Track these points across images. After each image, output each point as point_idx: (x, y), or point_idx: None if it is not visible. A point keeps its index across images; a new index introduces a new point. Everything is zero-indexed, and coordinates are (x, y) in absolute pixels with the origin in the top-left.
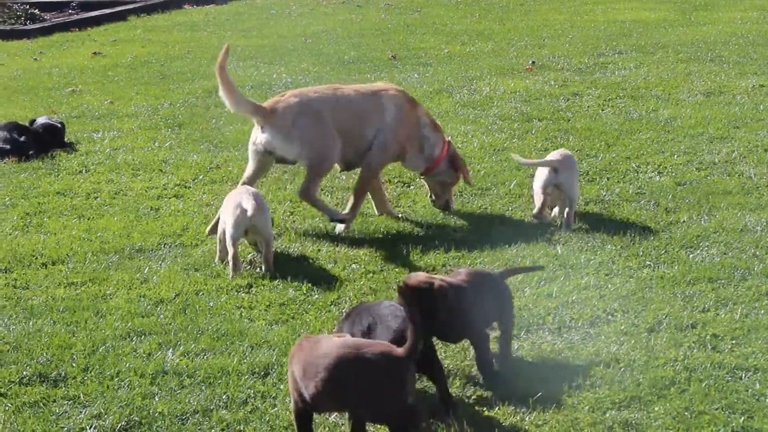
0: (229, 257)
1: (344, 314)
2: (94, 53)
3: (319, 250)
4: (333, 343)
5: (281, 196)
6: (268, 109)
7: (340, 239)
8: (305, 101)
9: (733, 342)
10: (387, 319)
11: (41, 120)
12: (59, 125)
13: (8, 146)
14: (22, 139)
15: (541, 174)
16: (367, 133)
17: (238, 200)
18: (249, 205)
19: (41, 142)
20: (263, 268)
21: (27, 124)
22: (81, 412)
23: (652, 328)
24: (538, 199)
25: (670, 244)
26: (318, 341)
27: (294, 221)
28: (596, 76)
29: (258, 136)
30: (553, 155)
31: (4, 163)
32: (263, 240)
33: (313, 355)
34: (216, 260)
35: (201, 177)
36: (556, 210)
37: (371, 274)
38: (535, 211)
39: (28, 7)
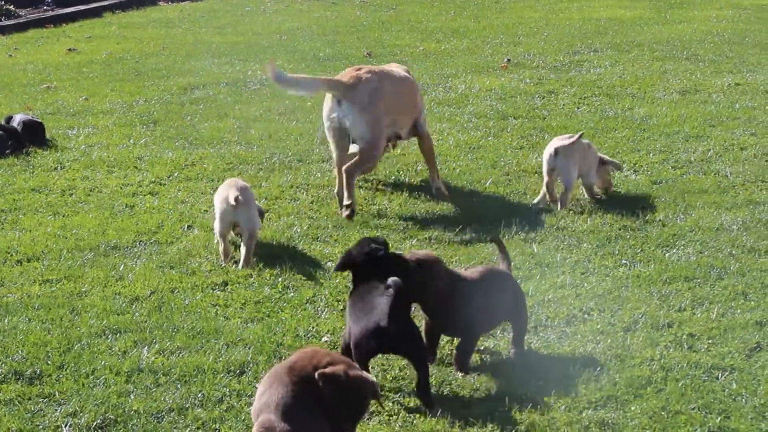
0: (220, 250)
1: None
2: (69, 50)
3: (294, 249)
4: None
5: (257, 194)
6: (347, 83)
7: (316, 238)
8: (380, 78)
9: (710, 341)
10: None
11: (20, 117)
12: (40, 122)
13: None
14: None
15: (545, 156)
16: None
17: (225, 194)
18: (233, 198)
19: (18, 139)
20: (240, 263)
21: (2, 121)
22: (56, 410)
23: (629, 327)
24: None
25: (646, 243)
26: None
27: (269, 218)
28: (572, 74)
29: (334, 110)
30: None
31: None
32: (246, 232)
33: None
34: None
35: (176, 174)
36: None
37: (347, 272)
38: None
39: (2, 3)
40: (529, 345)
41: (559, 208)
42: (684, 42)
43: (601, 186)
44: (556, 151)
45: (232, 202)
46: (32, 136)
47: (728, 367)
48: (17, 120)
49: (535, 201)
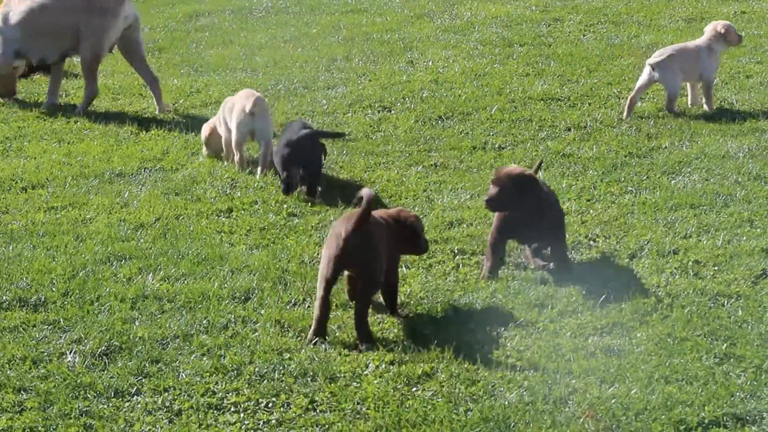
0: (236, 159)
1: None
2: None
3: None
4: None
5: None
6: None
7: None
8: None
9: (716, 268)
10: None
11: None
12: None
13: None
14: None
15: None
16: None
17: (242, 104)
18: (251, 106)
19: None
20: (258, 170)
21: None
22: (61, 336)
23: (634, 254)
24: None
25: (651, 170)
26: None
27: (274, 146)
28: (578, 2)
29: None
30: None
31: None
32: (263, 141)
33: None
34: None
35: (181, 101)
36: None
37: (352, 199)
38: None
39: None
40: (534, 272)
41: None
42: None
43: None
44: (654, 65)
45: (249, 111)
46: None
47: (734, 294)
48: None
49: (625, 116)
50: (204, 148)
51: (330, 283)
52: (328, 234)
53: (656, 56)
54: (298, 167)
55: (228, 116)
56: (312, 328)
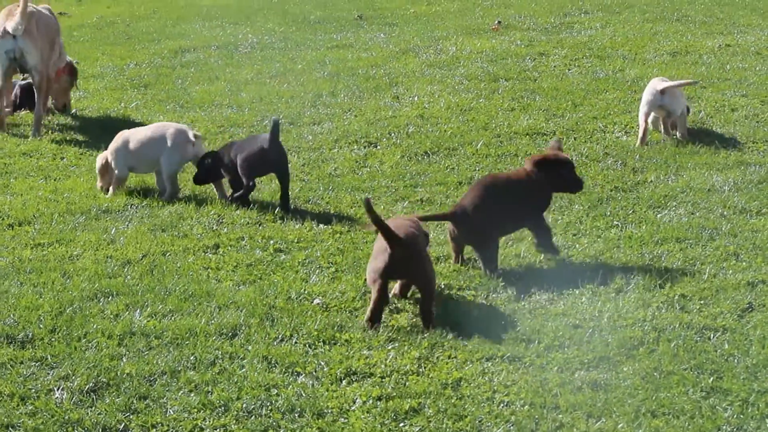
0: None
1: None
2: (60, 14)
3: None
4: None
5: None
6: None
7: (307, 200)
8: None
9: (702, 302)
10: None
11: (19, 82)
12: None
13: None
14: None
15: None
16: None
17: (177, 130)
18: (192, 134)
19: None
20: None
21: None
22: (49, 373)
23: (621, 289)
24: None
25: (637, 204)
26: None
27: (260, 181)
28: (563, 36)
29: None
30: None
31: None
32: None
33: None
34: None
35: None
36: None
37: (338, 235)
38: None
39: None
40: (521, 306)
41: (681, 137)
42: (674, 3)
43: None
44: (663, 91)
45: (192, 138)
46: (31, 100)
47: (720, 327)
48: (17, 84)
49: (638, 144)
50: (98, 180)
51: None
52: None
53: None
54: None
55: (144, 150)
56: (369, 314)
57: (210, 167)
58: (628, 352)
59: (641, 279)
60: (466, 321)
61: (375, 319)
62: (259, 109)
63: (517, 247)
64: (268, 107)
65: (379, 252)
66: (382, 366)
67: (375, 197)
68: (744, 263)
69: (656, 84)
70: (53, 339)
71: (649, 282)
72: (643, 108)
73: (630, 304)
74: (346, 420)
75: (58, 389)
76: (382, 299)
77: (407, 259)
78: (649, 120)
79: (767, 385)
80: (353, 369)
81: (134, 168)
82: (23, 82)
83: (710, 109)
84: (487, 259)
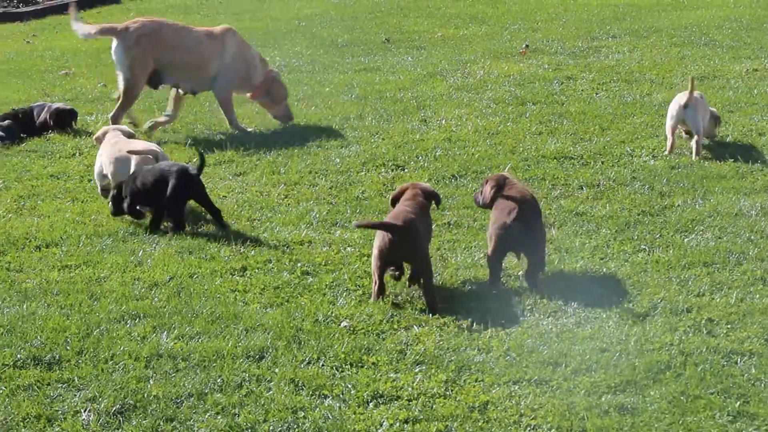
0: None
1: None
2: None
3: (313, 234)
4: None
5: (275, 179)
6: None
7: (335, 223)
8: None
9: (729, 326)
10: None
11: (54, 105)
12: (69, 110)
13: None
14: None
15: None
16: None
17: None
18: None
19: (32, 126)
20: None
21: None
22: (75, 395)
23: (648, 313)
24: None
25: (665, 228)
26: None
27: (288, 204)
28: (590, 60)
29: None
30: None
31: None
32: None
33: None
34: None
35: (194, 159)
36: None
37: (366, 258)
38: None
39: None
40: (548, 330)
41: (694, 157)
42: (702, 28)
43: (707, 135)
44: (686, 104)
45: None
46: (63, 123)
47: (747, 351)
48: (47, 108)
49: (667, 152)
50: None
51: (383, 273)
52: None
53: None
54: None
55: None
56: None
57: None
58: (655, 376)
59: (668, 303)
60: (492, 345)
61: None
62: (288, 132)
63: (543, 272)
64: (296, 130)
65: (379, 241)
66: (409, 389)
67: None
68: None
69: (680, 98)
70: (80, 361)
71: (676, 306)
72: (668, 122)
73: (657, 328)
74: None
75: (84, 411)
76: (382, 288)
77: (407, 242)
78: (676, 133)
79: None
80: (380, 392)
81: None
82: (55, 106)
83: (737, 134)
84: (542, 264)
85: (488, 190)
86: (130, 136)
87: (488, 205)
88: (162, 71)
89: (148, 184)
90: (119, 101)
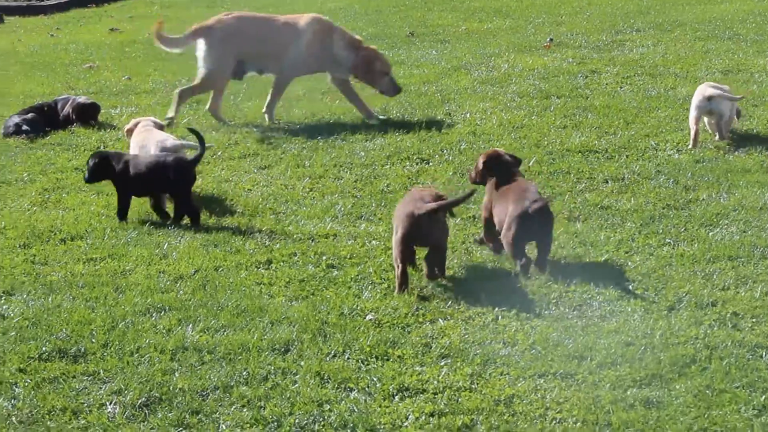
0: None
1: None
2: (111, 29)
3: (338, 227)
4: None
5: (300, 173)
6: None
7: (360, 216)
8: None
9: (754, 320)
10: None
11: (81, 99)
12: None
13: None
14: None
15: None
16: None
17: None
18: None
19: (55, 119)
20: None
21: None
22: (101, 387)
23: (673, 306)
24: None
25: (689, 222)
26: None
27: (313, 197)
28: (614, 54)
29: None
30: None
31: (24, 138)
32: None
33: None
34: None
35: (219, 153)
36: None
37: (391, 251)
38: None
39: None
40: (573, 324)
41: (717, 139)
42: (726, 21)
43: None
44: (710, 97)
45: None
46: (85, 117)
47: None
48: (70, 101)
49: (690, 146)
50: None
51: (407, 258)
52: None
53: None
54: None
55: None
56: (398, 287)
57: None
58: (680, 370)
59: (693, 297)
60: (518, 339)
61: (404, 287)
62: (312, 126)
63: (569, 265)
64: (321, 123)
65: (400, 224)
66: (435, 382)
67: None
68: None
69: (704, 89)
70: (106, 353)
71: (702, 300)
72: (692, 113)
73: (682, 322)
74: None
75: (110, 404)
76: (406, 272)
77: (428, 225)
78: (699, 124)
79: None
80: (406, 385)
81: None
82: (78, 99)
83: (762, 128)
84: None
85: (480, 165)
86: (159, 127)
87: (481, 181)
88: (245, 62)
89: (142, 172)
90: (194, 83)
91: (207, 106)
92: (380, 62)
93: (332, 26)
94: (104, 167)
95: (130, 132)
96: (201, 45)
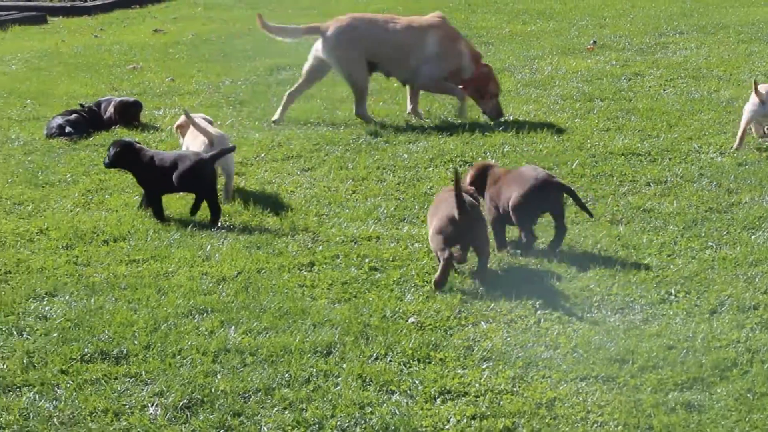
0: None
1: None
2: (155, 30)
3: (381, 229)
4: None
5: (343, 175)
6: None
7: (402, 219)
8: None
9: None
10: None
11: (115, 99)
12: (131, 102)
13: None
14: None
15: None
16: None
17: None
18: (209, 138)
19: (99, 121)
20: (223, 197)
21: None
22: (143, 389)
23: (715, 310)
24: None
25: (732, 225)
26: None
27: (356, 199)
28: (658, 56)
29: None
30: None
31: (67, 139)
32: (226, 173)
33: None
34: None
35: (263, 155)
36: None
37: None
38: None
39: None
40: (615, 327)
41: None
42: None
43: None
44: (763, 101)
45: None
46: (127, 115)
47: None
48: (113, 102)
49: (735, 147)
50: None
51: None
52: (437, 212)
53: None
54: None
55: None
56: (438, 278)
57: None
58: (721, 374)
59: (735, 300)
60: (561, 341)
61: (443, 284)
62: (355, 128)
63: (612, 268)
64: (364, 126)
65: (442, 221)
66: (477, 385)
67: None
68: None
69: (760, 94)
70: (148, 355)
71: (743, 303)
72: (744, 115)
73: (724, 325)
74: None
75: (152, 405)
76: (450, 265)
77: (472, 225)
78: (749, 125)
79: None
80: (448, 388)
81: None
82: (119, 99)
83: None
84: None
85: (471, 175)
86: (210, 123)
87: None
88: (373, 63)
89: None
90: (355, 97)
91: (354, 109)
92: (494, 83)
93: (458, 32)
94: (125, 156)
95: (180, 128)
96: (318, 46)
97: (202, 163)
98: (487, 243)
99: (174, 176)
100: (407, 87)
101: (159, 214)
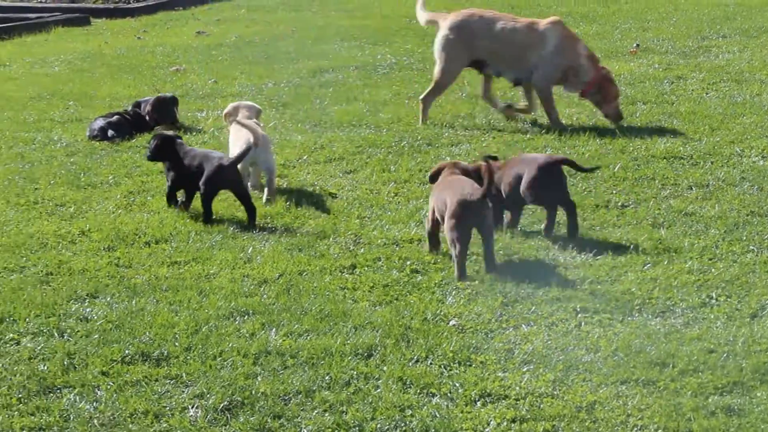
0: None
1: None
2: (198, 32)
3: (423, 232)
4: None
5: (385, 177)
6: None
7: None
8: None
9: None
10: None
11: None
12: (166, 98)
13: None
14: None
15: None
16: None
17: (246, 134)
18: (255, 137)
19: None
20: (265, 196)
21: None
22: (183, 391)
23: (756, 314)
24: None
25: None
26: None
27: (398, 202)
28: (700, 60)
29: None
30: None
31: (112, 142)
32: (267, 171)
33: None
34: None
35: (305, 157)
36: None
37: (475, 256)
38: None
39: None
40: (656, 330)
41: None
42: None
43: None
44: None
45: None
46: (164, 110)
47: None
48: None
49: None
50: None
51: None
52: (445, 196)
53: None
54: None
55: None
56: (457, 269)
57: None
58: (762, 377)
59: None
60: (600, 345)
61: (464, 275)
62: (397, 130)
63: (653, 271)
64: (406, 128)
65: (455, 210)
66: (517, 388)
67: (510, 226)
68: None
69: None
70: (188, 357)
71: None
72: None
73: (765, 329)
74: None
75: (192, 407)
76: (464, 258)
77: (482, 209)
78: None
79: None
80: (488, 391)
81: None
82: (156, 96)
83: None
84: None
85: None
86: (258, 112)
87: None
88: (484, 60)
89: (192, 167)
90: (431, 86)
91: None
92: (615, 86)
93: (576, 34)
94: (165, 149)
95: (228, 116)
96: (437, 35)
97: (222, 168)
98: (492, 229)
99: (200, 182)
100: (520, 88)
101: (171, 199)
